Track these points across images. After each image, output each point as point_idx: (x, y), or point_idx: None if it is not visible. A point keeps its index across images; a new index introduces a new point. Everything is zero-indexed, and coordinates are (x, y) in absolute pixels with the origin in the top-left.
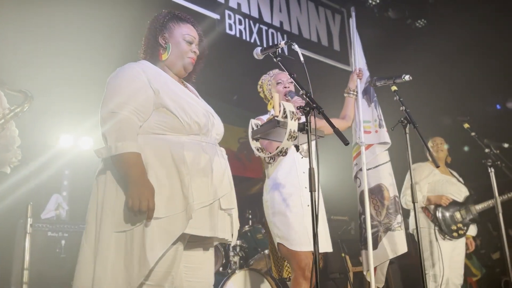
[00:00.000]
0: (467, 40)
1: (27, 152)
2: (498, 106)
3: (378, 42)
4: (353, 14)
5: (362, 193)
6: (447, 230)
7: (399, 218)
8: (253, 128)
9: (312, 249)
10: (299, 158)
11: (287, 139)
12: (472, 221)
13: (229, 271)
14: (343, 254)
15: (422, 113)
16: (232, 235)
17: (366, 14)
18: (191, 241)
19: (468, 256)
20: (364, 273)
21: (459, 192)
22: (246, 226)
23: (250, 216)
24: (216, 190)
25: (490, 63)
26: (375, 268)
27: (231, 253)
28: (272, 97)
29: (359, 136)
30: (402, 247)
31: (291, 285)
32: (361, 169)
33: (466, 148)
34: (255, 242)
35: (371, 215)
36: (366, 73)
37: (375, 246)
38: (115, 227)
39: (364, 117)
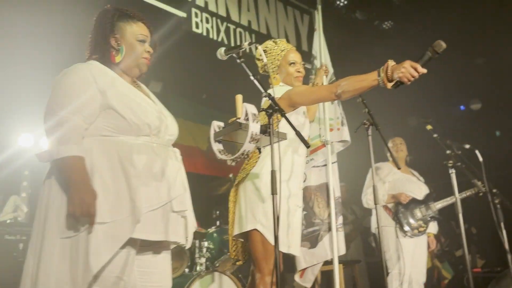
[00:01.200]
0: (432, 41)
1: None
2: (462, 107)
3: (345, 42)
4: (319, 7)
5: (307, 188)
6: (407, 227)
7: (341, 219)
8: (215, 130)
9: (285, 251)
10: (300, 160)
11: (249, 141)
12: (432, 218)
13: (195, 273)
14: None
15: (387, 115)
16: (187, 238)
17: (334, 15)
18: (144, 245)
19: (440, 259)
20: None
21: (419, 190)
22: (213, 227)
23: (217, 217)
24: (167, 193)
25: (455, 64)
26: (304, 268)
27: (197, 255)
28: (278, 72)
29: (324, 134)
30: (342, 248)
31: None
32: (314, 166)
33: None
34: (222, 243)
35: (315, 212)
36: (331, 70)
37: (314, 245)
38: (60, 233)
39: (329, 114)
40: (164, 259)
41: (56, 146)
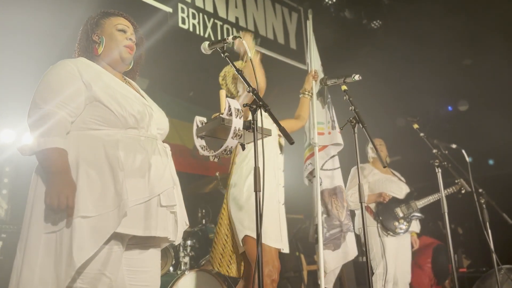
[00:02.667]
0: (421, 41)
1: None
2: (450, 108)
3: (334, 41)
4: (310, 16)
5: (324, 191)
6: (389, 226)
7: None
8: (197, 126)
9: (281, 247)
10: (276, 154)
11: (232, 137)
12: (414, 217)
13: (179, 272)
14: (297, 253)
15: (375, 115)
16: (178, 234)
17: (323, 13)
18: (133, 243)
19: None
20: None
21: (400, 189)
22: (198, 226)
23: (203, 215)
24: (154, 187)
25: (443, 65)
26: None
27: (181, 254)
28: (238, 91)
29: (313, 137)
30: (354, 250)
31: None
32: (325, 169)
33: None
34: (207, 242)
35: (334, 215)
36: (321, 75)
37: (337, 247)
38: (45, 228)
39: (318, 118)
40: (153, 258)
41: (37, 139)
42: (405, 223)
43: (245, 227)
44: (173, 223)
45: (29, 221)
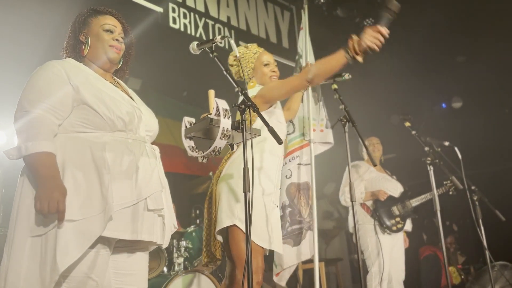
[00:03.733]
0: (414, 39)
1: None
2: (443, 105)
3: (326, 40)
4: (306, 7)
5: (292, 185)
6: (386, 224)
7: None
8: (186, 126)
9: (267, 247)
10: (279, 156)
11: (220, 137)
12: (409, 215)
13: (172, 273)
14: None
15: (368, 113)
16: (165, 237)
17: (315, 12)
18: (120, 246)
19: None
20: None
21: (395, 188)
22: (192, 226)
23: (197, 216)
24: (141, 190)
25: (436, 63)
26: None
27: (175, 254)
28: (253, 75)
29: (308, 133)
30: (313, 249)
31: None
32: (299, 163)
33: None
34: (201, 242)
35: (298, 210)
36: None
37: (296, 243)
38: (30, 231)
39: (312, 114)
40: (140, 261)
41: (24, 143)
42: (401, 221)
43: (235, 216)
44: (161, 226)
45: (14, 224)
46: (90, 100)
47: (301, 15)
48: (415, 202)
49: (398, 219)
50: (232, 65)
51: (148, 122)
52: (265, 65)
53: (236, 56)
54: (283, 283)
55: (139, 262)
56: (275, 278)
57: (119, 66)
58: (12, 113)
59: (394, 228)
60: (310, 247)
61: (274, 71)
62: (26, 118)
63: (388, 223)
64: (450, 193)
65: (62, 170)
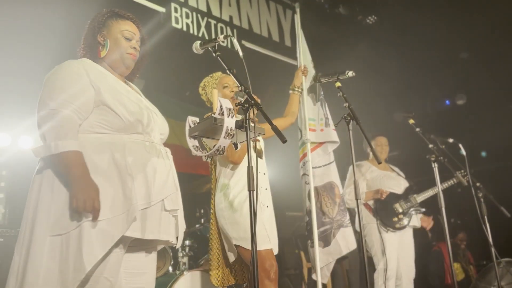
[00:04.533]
0: (418, 36)
1: None
2: (447, 102)
3: (329, 38)
4: (298, 10)
5: (314, 189)
6: (388, 222)
7: (347, 215)
8: (190, 126)
9: (271, 247)
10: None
11: (224, 137)
12: (414, 211)
13: (178, 272)
14: (297, 251)
15: (372, 111)
16: (178, 237)
17: (317, 10)
18: (132, 245)
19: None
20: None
21: (398, 185)
22: (197, 225)
23: (201, 215)
24: (159, 191)
25: (440, 59)
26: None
27: (180, 254)
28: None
29: (305, 133)
30: (353, 243)
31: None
32: (314, 167)
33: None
34: (205, 241)
35: (324, 212)
36: (312, 71)
37: (327, 243)
38: (50, 231)
39: (308, 114)
40: (151, 260)
41: (54, 141)
42: (405, 218)
43: (230, 237)
44: (174, 226)
45: (32, 223)
46: (110, 102)
47: (305, 13)
48: (420, 197)
49: (401, 216)
50: (201, 94)
51: (161, 126)
52: (224, 87)
53: (203, 85)
54: (325, 281)
55: (150, 261)
56: (313, 276)
57: (130, 70)
58: (19, 115)
59: (397, 225)
60: (342, 244)
61: (232, 91)
62: (55, 117)
63: (389, 221)
64: (464, 183)
65: None
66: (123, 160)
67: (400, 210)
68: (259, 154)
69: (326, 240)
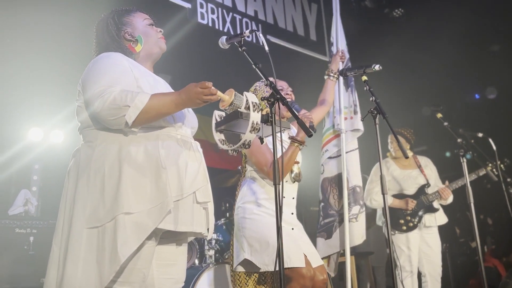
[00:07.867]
0: (445, 29)
1: None
2: (476, 96)
3: (355, 31)
4: None
5: (325, 180)
6: (393, 225)
7: (356, 209)
8: (216, 120)
9: (303, 265)
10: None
11: (250, 131)
12: (426, 211)
13: (204, 265)
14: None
15: (401, 103)
16: (208, 229)
17: (343, 3)
18: (164, 237)
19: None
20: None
21: (416, 185)
22: (222, 219)
23: (227, 209)
24: (191, 184)
25: (470, 52)
26: (328, 257)
27: (206, 247)
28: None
29: (339, 122)
30: (357, 239)
31: None
32: (329, 157)
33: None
34: (231, 235)
35: (330, 204)
36: (347, 56)
37: (329, 236)
38: (87, 223)
39: (344, 102)
40: (182, 251)
41: (132, 102)
42: (413, 219)
43: (245, 252)
44: (205, 218)
45: (70, 215)
46: (148, 91)
47: (330, 6)
48: (431, 195)
49: (408, 217)
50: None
51: (191, 119)
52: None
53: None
54: (332, 274)
55: (181, 253)
56: (326, 268)
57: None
58: (50, 110)
59: (404, 227)
60: (340, 240)
61: (287, 94)
62: (115, 90)
63: (395, 223)
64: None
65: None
66: (156, 152)
67: (409, 211)
68: (297, 177)
69: (328, 232)
